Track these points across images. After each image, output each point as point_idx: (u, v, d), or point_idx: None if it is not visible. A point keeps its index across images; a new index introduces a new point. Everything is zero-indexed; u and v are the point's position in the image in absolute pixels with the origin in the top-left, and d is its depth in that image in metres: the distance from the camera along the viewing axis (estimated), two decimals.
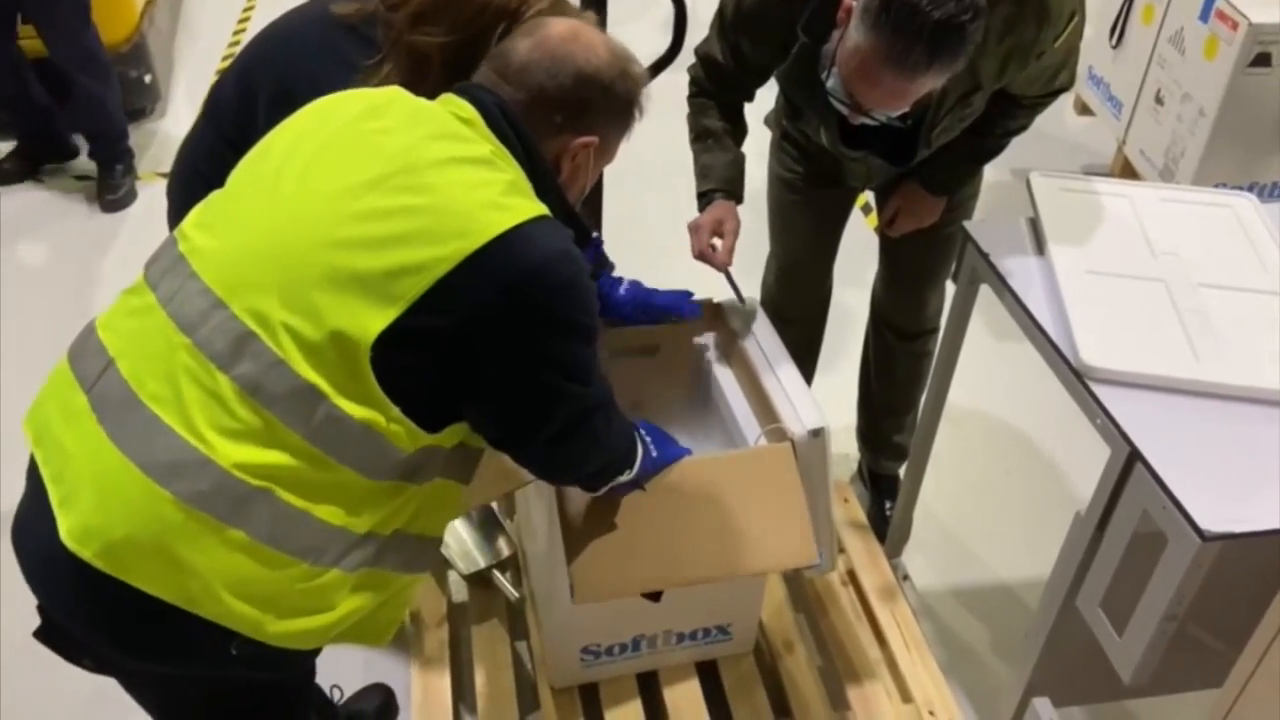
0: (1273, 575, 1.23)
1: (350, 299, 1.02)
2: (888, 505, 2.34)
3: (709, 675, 1.88)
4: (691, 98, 1.83)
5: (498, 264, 1.04)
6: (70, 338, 1.18)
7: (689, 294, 1.76)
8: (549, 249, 1.07)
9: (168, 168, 1.71)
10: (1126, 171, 3.22)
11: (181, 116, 3.64)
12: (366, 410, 1.04)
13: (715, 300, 1.85)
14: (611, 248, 1.78)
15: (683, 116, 1.84)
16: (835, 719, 1.84)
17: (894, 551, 2.20)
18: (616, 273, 1.74)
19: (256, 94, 1.46)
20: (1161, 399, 1.43)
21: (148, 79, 3.57)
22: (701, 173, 1.82)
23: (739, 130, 1.83)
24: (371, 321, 1.02)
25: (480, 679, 1.85)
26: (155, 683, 1.21)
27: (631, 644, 1.79)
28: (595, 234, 1.83)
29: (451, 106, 1.15)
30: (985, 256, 1.69)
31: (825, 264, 2.13)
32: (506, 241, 1.04)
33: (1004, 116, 1.76)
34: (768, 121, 2.05)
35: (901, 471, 2.24)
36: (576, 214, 1.23)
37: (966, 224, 1.78)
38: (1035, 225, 1.76)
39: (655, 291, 1.74)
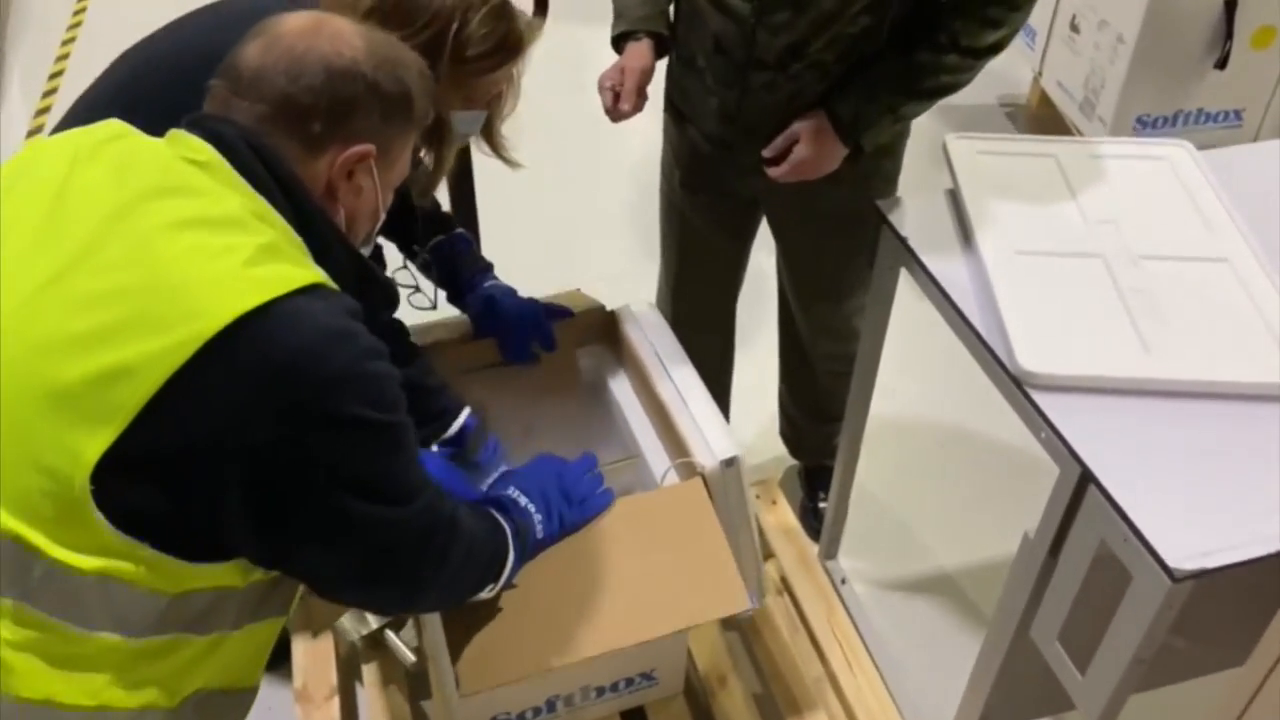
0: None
1: (52, 421, 0.78)
2: (820, 496, 2.18)
3: None
4: None
5: (243, 356, 0.80)
6: None
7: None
8: (314, 330, 0.83)
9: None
10: (1044, 104, 3.05)
11: (16, 114, 3.28)
12: (99, 560, 0.81)
13: (608, 308, 1.64)
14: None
15: None
16: None
17: (829, 553, 2.04)
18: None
19: None
20: (1110, 403, 1.25)
21: None
22: (616, 13, 1.61)
23: None
24: (83, 448, 0.78)
25: None
26: None
27: (546, 706, 1.59)
28: (460, 230, 1.59)
29: (181, 147, 0.89)
30: (904, 241, 1.49)
31: (729, 285, 1.93)
32: (253, 326, 0.80)
33: (936, 50, 1.50)
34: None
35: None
36: (370, 266, 0.98)
37: (879, 203, 1.57)
38: (956, 199, 1.56)
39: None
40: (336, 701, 1.70)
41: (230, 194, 0.87)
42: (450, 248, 1.56)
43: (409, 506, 0.92)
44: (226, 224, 0.85)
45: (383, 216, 1.00)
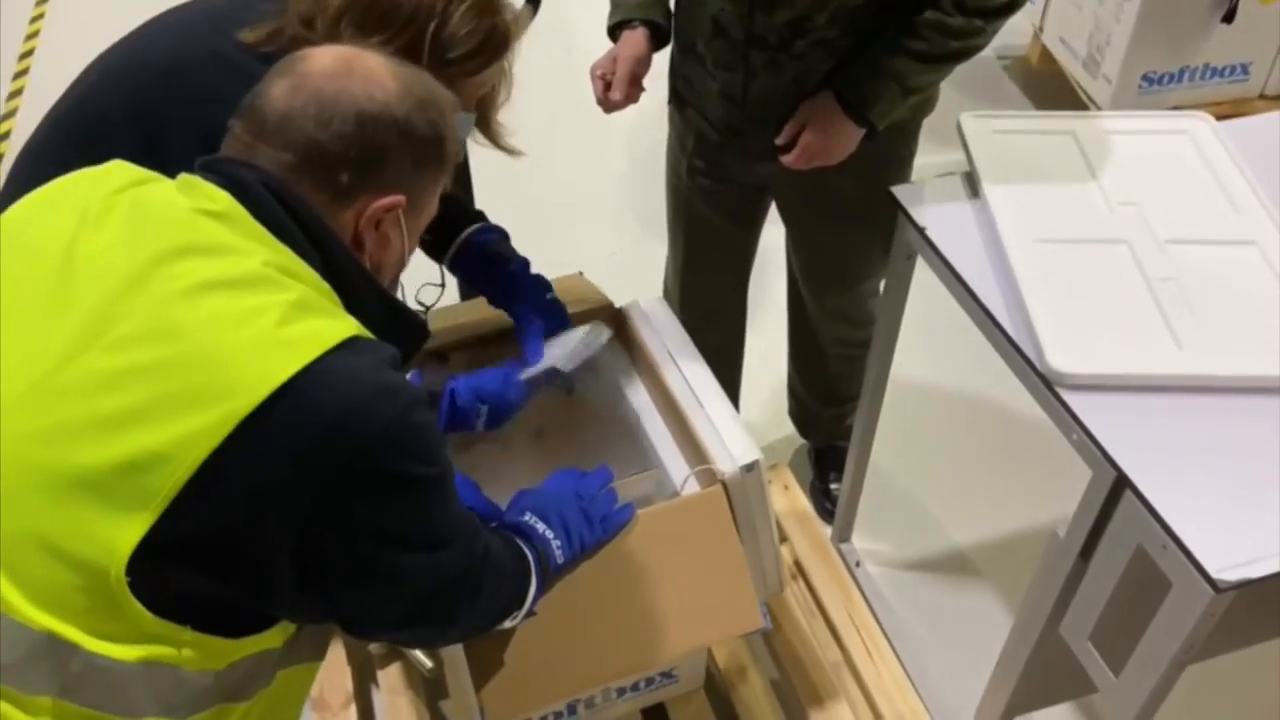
0: None
1: (79, 510, 0.74)
2: (831, 477, 2.15)
3: (659, 718, 1.69)
4: None
5: (284, 425, 0.75)
6: None
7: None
8: (359, 387, 0.78)
9: None
10: (1045, 61, 2.98)
11: None
12: (141, 648, 0.77)
13: (610, 294, 1.59)
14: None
15: None
16: None
17: (842, 536, 2.02)
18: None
19: (161, 142, 1.14)
20: (1143, 401, 1.22)
21: None
22: (613, 3, 1.56)
23: None
24: (116, 537, 0.74)
25: None
26: None
27: (568, 710, 1.58)
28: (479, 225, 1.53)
29: (197, 197, 0.83)
30: (923, 233, 1.45)
31: (738, 274, 1.88)
32: (294, 392, 0.76)
33: (941, 13, 1.43)
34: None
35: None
36: (402, 308, 0.93)
37: (896, 191, 1.51)
38: (974, 183, 1.51)
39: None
40: (354, 709, 1.69)
41: (253, 248, 0.82)
42: (473, 252, 1.47)
43: (450, 549, 0.90)
44: (251, 283, 0.80)
45: (408, 262, 0.95)
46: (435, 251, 1.47)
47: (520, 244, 1.53)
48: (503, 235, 1.49)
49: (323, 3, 1.13)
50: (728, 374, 1.99)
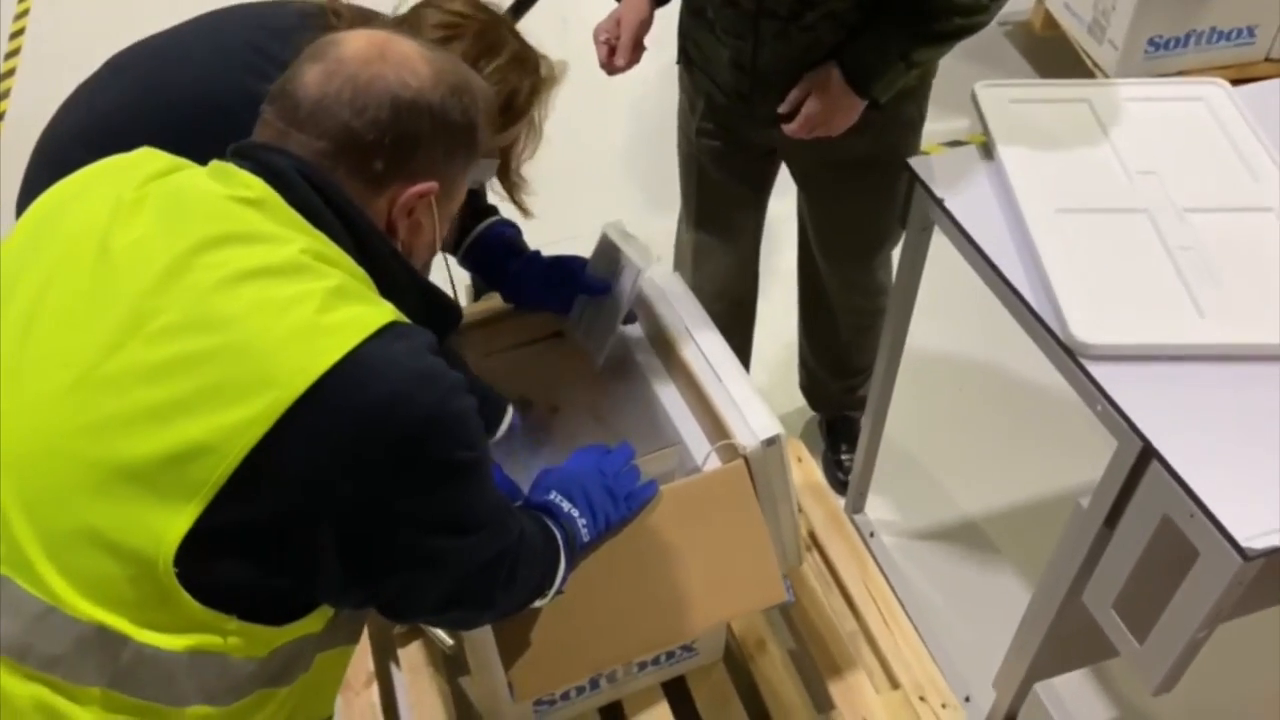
0: None
1: (126, 502, 0.74)
2: (843, 448, 2.16)
3: (679, 692, 1.70)
4: None
5: (328, 414, 0.75)
6: None
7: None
8: (401, 374, 0.78)
9: None
10: (1048, 26, 2.95)
11: None
12: (188, 637, 0.77)
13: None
14: None
15: None
16: None
17: (855, 507, 2.02)
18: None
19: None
20: (1166, 371, 1.22)
21: None
22: None
23: None
24: (164, 528, 0.74)
25: None
26: None
27: (590, 684, 1.59)
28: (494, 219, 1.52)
29: (231, 184, 0.82)
30: (940, 203, 1.44)
31: (750, 238, 1.87)
32: (337, 380, 0.75)
33: None
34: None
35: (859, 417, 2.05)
36: (437, 291, 0.93)
37: (911, 161, 1.51)
38: (990, 153, 1.51)
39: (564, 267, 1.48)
40: (375, 688, 1.70)
41: (290, 235, 0.81)
42: (485, 245, 1.48)
43: (488, 532, 0.90)
44: (290, 271, 0.79)
45: (439, 247, 0.94)
46: (448, 244, 1.47)
47: (517, 216, 1.52)
48: (517, 230, 1.49)
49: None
50: (740, 345, 1.99)
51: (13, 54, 3.40)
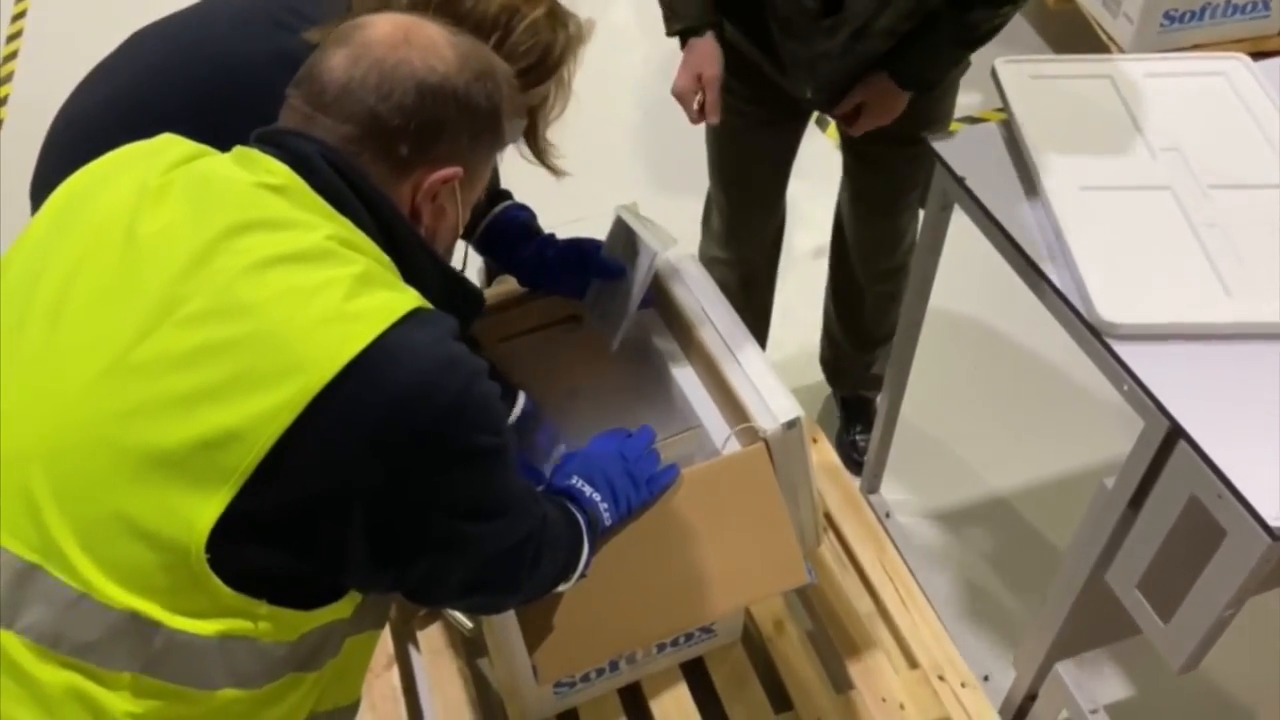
0: None
1: (158, 489, 0.74)
2: (857, 429, 2.16)
3: (697, 673, 1.70)
4: None
5: (355, 400, 0.75)
6: None
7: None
8: (426, 361, 0.78)
9: None
10: (1063, 0, 2.92)
11: None
12: (219, 622, 0.77)
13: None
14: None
15: None
16: (839, 702, 1.68)
17: (871, 487, 2.02)
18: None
19: (224, 140, 1.11)
20: (1193, 350, 1.21)
21: None
22: (669, 10, 1.54)
23: None
24: (196, 514, 0.74)
25: None
26: None
27: (609, 666, 1.59)
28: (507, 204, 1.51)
29: (256, 170, 0.82)
30: (962, 183, 1.43)
31: (776, 201, 1.86)
32: (363, 367, 0.75)
33: (991, 5, 1.46)
34: None
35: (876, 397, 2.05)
36: (459, 278, 0.93)
37: (933, 141, 1.50)
38: (1012, 130, 1.49)
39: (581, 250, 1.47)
40: (395, 670, 1.70)
41: (315, 221, 0.81)
42: (500, 229, 1.47)
43: (513, 516, 0.91)
44: (316, 257, 0.79)
45: (461, 229, 0.94)
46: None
47: (529, 198, 1.51)
48: (531, 214, 1.48)
49: (387, 5, 1.10)
50: (758, 323, 1.98)
51: (14, 36, 3.38)
